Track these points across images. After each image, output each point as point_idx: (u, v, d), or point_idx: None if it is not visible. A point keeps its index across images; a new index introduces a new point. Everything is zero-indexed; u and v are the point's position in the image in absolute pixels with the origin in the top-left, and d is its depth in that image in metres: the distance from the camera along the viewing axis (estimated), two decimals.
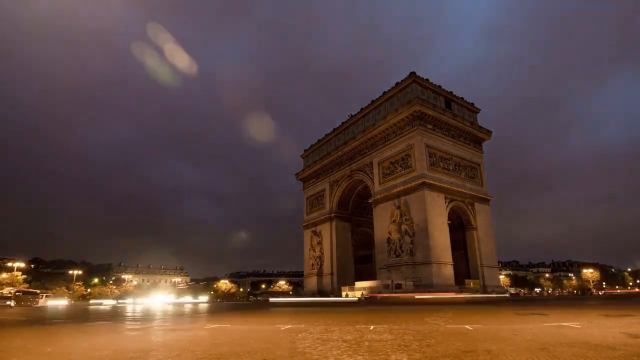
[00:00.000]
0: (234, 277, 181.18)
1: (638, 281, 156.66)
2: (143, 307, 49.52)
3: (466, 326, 13.21)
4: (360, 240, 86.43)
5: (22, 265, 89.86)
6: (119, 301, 73.64)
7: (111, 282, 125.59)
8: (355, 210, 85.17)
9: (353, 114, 79.52)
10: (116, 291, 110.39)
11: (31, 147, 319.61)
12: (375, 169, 69.89)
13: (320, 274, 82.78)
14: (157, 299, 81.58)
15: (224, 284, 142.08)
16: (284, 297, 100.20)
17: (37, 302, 54.07)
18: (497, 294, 60.13)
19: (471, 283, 60.27)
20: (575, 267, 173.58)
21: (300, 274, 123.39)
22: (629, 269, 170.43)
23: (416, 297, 46.91)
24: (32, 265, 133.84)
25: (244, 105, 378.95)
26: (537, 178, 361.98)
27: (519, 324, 13.92)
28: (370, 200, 70.62)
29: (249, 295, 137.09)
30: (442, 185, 61.43)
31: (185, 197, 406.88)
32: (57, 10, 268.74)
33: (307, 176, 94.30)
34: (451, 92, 69.85)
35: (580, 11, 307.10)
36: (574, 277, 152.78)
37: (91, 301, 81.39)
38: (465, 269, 64.14)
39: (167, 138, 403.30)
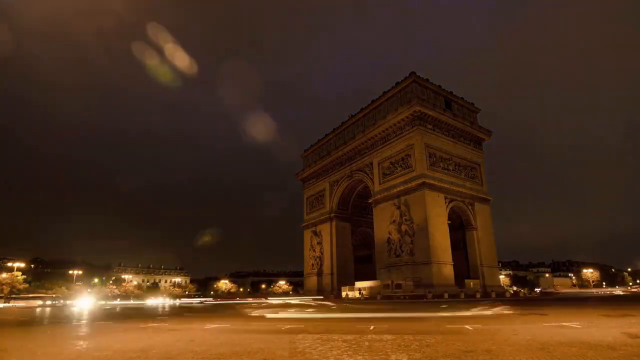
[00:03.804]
0: (234, 277, 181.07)
1: (638, 281, 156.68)
2: None
3: (466, 326, 13.20)
4: (360, 240, 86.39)
5: (22, 265, 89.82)
6: None
7: (111, 282, 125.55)
8: (355, 210, 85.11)
9: (353, 113, 79.51)
10: (116, 291, 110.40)
11: (32, 146, 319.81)
12: (375, 169, 69.85)
13: (320, 274, 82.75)
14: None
15: (224, 284, 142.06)
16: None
17: None
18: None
19: (471, 283, 60.25)
20: (575, 267, 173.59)
21: (300, 274, 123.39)
22: (629, 269, 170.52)
23: None
24: (32, 265, 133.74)
25: (245, 106, 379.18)
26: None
27: (519, 324, 13.91)
28: (370, 200, 70.58)
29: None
30: (442, 185, 61.40)
31: (186, 196, 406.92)
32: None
33: (307, 176, 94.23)
34: (451, 92, 69.83)
35: None
36: (574, 277, 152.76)
37: None
38: (465, 268, 64.09)
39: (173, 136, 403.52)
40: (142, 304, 66.05)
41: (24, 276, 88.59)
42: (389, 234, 62.75)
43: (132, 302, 78.52)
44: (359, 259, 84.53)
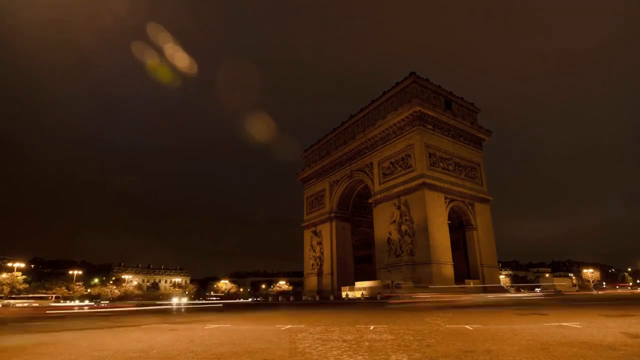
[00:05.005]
0: (234, 277, 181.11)
1: (638, 281, 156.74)
2: None
3: (466, 326, 13.20)
4: (360, 240, 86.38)
5: (22, 265, 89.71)
6: None
7: (111, 282, 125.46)
8: (355, 210, 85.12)
9: (353, 114, 79.49)
10: (116, 291, 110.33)
11: (31, 147, 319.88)
12: (375, 168, 69.84)
13: (320, 274, 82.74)
14: None
15: (224, 284, 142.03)
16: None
17: None
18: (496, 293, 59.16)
19: (471, 283, 60.22)
20: (575, 267, 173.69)
21: (300, 274, 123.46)
22: (629, 269, 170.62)
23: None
24: (32, 265, 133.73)
25: (245, 106, 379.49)
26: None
27: (519, 324, 13.90)
28: (370, 200, 70.58)
29: None
30: (442, 185, 61.38)
31: (187, 194, 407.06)
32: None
33: (307, 176, 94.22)
34: (451, 92, 69.78)
35: None
36: (574, 277, 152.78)
37: None
38: (465, 269, 64.08)
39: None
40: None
41: (24, 276, 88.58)
42: (389, 234, 62.74)
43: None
44: (359, 259, 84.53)
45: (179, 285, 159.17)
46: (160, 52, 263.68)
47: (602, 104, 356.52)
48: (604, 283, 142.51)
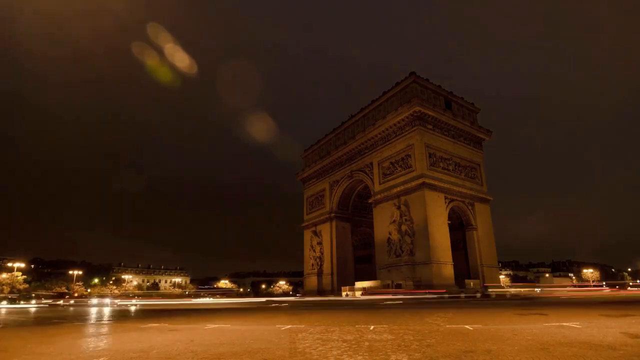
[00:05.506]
0: (234, 277, 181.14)
1: (638, 281, 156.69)
2: None
3: (466, 326, 13.20)
4: (360, 240, 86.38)
5: (22, 265, 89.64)
6: None
7: (111, 282, 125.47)
8: (355, 210, 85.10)
9: (353, 114, 79.49)
10: (116, 291, 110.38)
11: (31, 147, 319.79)
12: (375, 168, 69.84)
13: (320, 274, 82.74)
14: None
15: (224, 284, 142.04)
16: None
17: None
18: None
19: (471, 283, 60.24)
20: (575, 267, 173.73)
21: (300, 274, 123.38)
22: (629, 269, 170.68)
23: None
24: (32, 265, 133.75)
25: (245, 106, 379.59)
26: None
27: (519, 324, 13.91)
28: (370, 200, 70.58)
29: None
30: (442, 185, 61.40)
31: (185, 191, 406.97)
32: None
33: (307, 176, 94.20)
34: (451, 92, 69.78)
35: None
36: (574, 277, 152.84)
37: None
38: (465, 269, 64.10)
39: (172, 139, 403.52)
40: None
41: (24, 276, 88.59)
42: (389, 234, 62.74)
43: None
44: (359, 259, 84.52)
45: (179, 285, 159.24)
46: (160, 52, 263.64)
47: (602, 104, 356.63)
48: (604, 283, 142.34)
